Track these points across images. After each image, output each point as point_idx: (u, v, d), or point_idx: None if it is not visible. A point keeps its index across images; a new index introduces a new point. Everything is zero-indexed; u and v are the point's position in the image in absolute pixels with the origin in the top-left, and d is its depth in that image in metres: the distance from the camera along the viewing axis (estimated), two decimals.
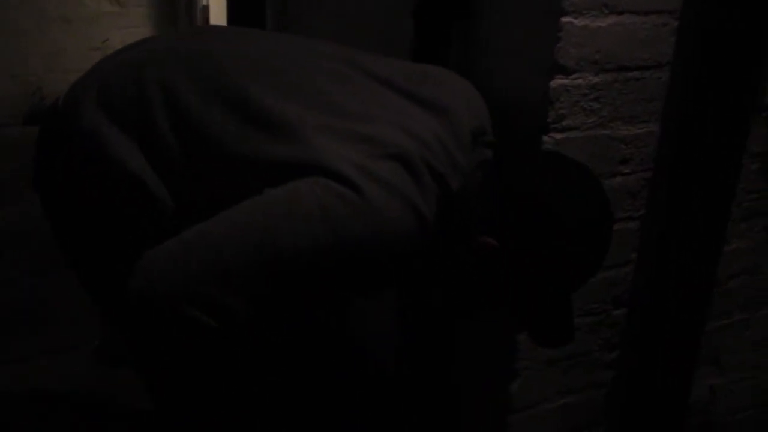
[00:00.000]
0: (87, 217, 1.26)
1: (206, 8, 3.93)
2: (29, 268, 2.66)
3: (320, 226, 1.10)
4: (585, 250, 1.23)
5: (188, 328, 1.12)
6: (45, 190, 1.32)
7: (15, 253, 2.77)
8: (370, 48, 1.43)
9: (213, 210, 1.15)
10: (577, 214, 1.20)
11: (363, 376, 1.88)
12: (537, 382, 1.76)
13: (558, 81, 1.45)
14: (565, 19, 1.41)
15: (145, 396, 1.41)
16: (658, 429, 1.92)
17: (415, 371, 1.99)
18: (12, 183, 2.90)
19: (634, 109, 1.57)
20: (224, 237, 1.11)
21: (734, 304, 1.99)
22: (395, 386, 2.01)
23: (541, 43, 1.45)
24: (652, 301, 1.76)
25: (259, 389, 1.44)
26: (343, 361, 1.78)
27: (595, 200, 1.24)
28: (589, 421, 1.89)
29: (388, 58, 1.39)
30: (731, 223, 1.82)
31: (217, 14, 3.87)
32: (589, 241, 1.23)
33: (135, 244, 1.19)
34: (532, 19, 1.48)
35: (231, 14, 3.37)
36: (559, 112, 1.47)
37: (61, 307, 2.40)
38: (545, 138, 1.49)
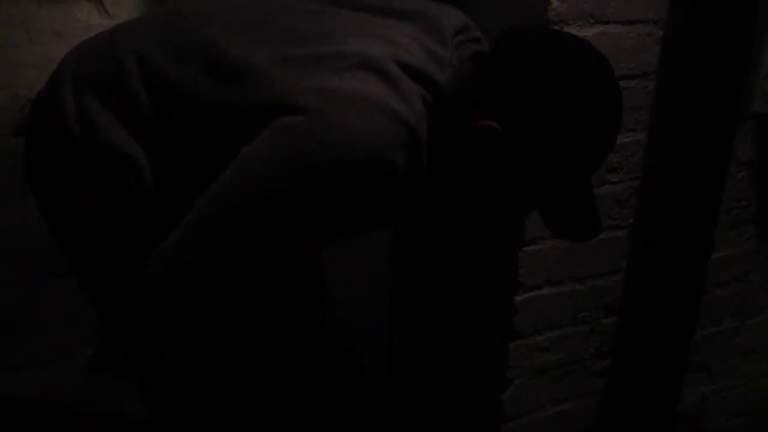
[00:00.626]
0: (78, 205, 1.27)
1: None
2: (20, 274, 2.65)
3: (296, 170, 1.06)
4: (593, 131, 1.14)
5: (207, 303, 1.14)
6: (37, 183, 1.33)
7: (4, 260, 2.76)
8: None
9: (193, 172, 1.15)
10: (581, 88, 1.11)
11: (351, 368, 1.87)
12: (529, 390, 1.76)
13: None
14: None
15: (140, 403, 1.42)
16: None
17: (404, 378, 1.99)
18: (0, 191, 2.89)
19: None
20: (219, 214, 1.11)
21: (724, 312, 1.99)
22: (385, 391, 2.02)
23: None
24: (641, 308, 1.77)
25: (254, 386, 1.44)
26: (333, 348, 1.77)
27: (600, 70, 1.15)
28: (582, 429, 1.90)
29: None
30: (720, 231, 1.84)
31: None
32: (598, 114, 1.13)
33: (127, 231, 1.21)
34: None
35: None
36: None
37: (53, 315, 2.40)
38: None
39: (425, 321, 1.91)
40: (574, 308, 1.73)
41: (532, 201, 1.22)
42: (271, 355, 1.47)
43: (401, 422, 2.03)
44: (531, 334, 1.70)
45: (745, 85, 1.69)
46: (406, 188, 1.14)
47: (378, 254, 1.94)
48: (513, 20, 1.49)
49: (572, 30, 1.44)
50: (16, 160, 1.39)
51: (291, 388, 1.56)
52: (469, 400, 1.87)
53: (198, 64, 1.19)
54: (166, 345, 1.30)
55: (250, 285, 1.17)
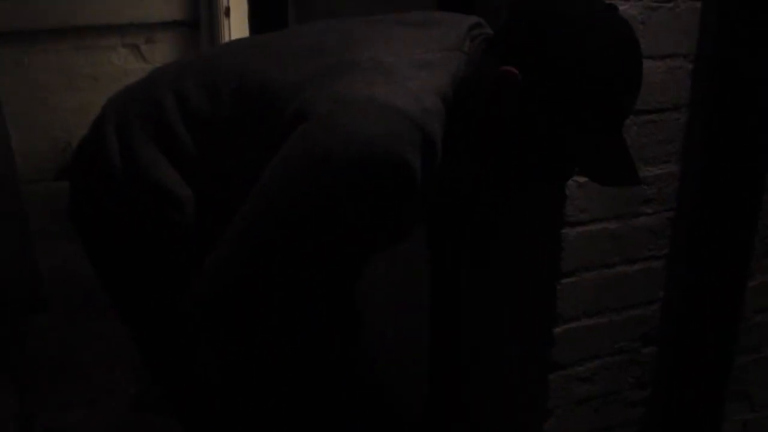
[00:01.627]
0: (122, 240, 1.32)
1: None
2: (66, 317, 2.72)
3: (309, 172, 1.09)
4: (611, 73, 1.14)
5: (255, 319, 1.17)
6: (82, 222, 1.38)
7: (51, 303, 2.83)
8: None
9: (233, 203, 1.18)
10: (598, 38, 1.12)
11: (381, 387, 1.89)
12: (569, 420, 1.77)
13: None
14: None
15: None
16: None
17: (443, 411, 2.01)
18: (44, 234, 2.96)
19: (653, 150, 1.60)
20: (251, 225, 1.14)
21: (763, 339, 1.99)
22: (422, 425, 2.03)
23: None
24: (680, 338, 1.78)
25: (294, 414, 1.46)
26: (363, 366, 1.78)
27: (615, 25, 1.16)
28: None
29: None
30: (755, 258, 1.84)
31: None
32: (616, 59, 1.13)
33: (170, 263, 1.27)
34: None
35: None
36: None
37: (98, 355, 2.46)
38: (569, 182, 1.52)
39: (464, 352, 1.93)
40: (612, 339, 1.74)
41: (559, 153, 1.19)
42: (307, 371, 1.50)
43: None
44: (570, 365, 1.72)
45: None
46: (423, 187, 1.14)
47: (417, 285, 1.97)
48: None
49: None
50: (58, 203, 1.44)
51: (323, 408, 1.58)
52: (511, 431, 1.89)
53: (229, 97, 1.24)
54: (212, 368, 1.33)
55: (292, 299, 1.19)
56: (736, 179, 1.66)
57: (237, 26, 3.80)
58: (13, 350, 2.57)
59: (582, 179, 1.53)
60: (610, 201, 1.58)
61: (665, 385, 1.84)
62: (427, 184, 1.15)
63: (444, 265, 1.87)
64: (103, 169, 1.30)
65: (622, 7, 1.42)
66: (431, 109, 1.13)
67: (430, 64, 1.17)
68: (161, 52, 3.82)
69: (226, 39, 3.76)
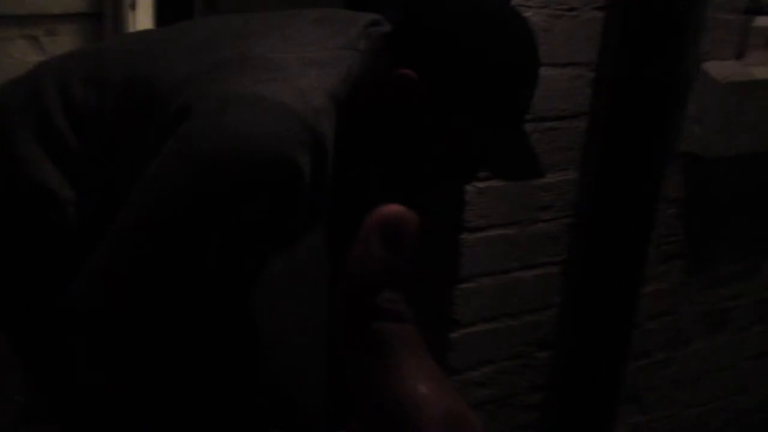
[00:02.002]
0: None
1: None
2: None
3: (194, 174, 1.05)
4: (508, 69, 1.12)
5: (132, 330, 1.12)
6: None
7: None
8: None
9: (110, 195, 1.14)
10: (494, 36, 1.11)
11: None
12: None
13: None
14: None
15: None
16: None
17: (342, 414, 1.98)
18: None
19: (553, 157, 1.61)
20: (131, 229, 1.09)
21: (654, 344, 2.04)
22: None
23: None
24: (574, 343, 1.80)
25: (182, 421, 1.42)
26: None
27: (512, 21, 1.16)
28: None
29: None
30: (649, 266, 1.88)
31: None
32: (512, 59, 1.13)
33: (49, 267, 1.20)
34: None
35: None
36: None
37: None
38: (468, 188, 1.52)
39: None
40: (509, 343, 1.75)
41: (461, 151, 1.18)
42: (200, 378, 1.45)
43: None
44: (467, 370, 1.72)
45: (674, 126, 1.74)
46: (313, 187, 1.11)
47: (317, 289, 1.94)
48: None
49: None
50: None
51: (219, 414, 1.54)
52: None
53: (114, 91, 1.18)
54: (92, 375, 1.27)
55: (175, 306, 1.15)
56: (632, 188, 1.69)
57: (142, 19, 3.68)
58: None
59: (482, 185, 1.53)
60: (509, 207, 1.59)
61: (560, 389, 1.86)
62: (318, 185, 1.11)
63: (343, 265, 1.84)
64: None
65: (525, 14, 1.42)
66: (321, 108, 1.09)
67: (322, 63, 1.13)
68: (63, 45, 3.66)
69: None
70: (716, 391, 2.27)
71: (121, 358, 1.19)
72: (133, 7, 3.68)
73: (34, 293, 1.25)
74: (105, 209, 1.17)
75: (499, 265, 1.64)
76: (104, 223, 1.13)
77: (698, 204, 1.90)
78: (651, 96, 1.63)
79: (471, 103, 1.12)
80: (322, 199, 1.19)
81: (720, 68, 1.74)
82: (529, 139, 1.21)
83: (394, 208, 1.10)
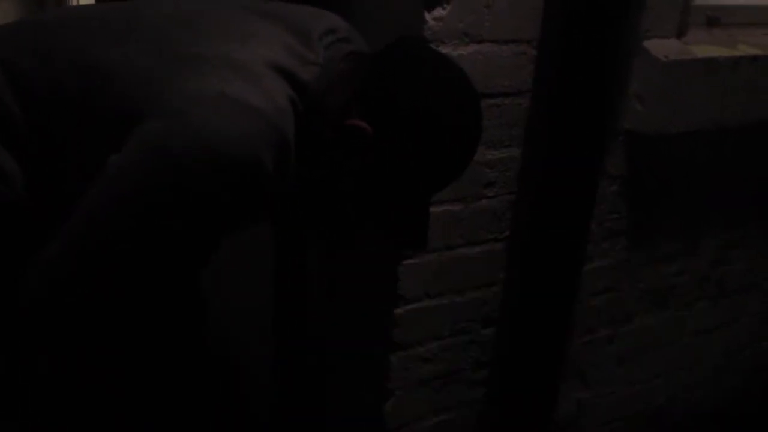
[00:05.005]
0: None
1: None
2: None
3: (159, 175, 1.05)
4: (452, 155, 1.21)
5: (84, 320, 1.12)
6: None
7: None
8: None
9: (70, 181, 1.13)
10: (451, 121, 1.18)
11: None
12: (410, 401, 1.78)
13: None
14: None
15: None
16: None
17: (288, 391, 1.99)
18: None
19: (496, 134, 1.62)
20: (91, 224, 1.09)
21: (598, 321, 2.06)
22: (269, 403, 2.01)
23: None
24: (517, 319, 1.81)
25: (131, 401, 1.41)
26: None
27: (469, 107, 1.22)
28: None
29: None
30: (593, 243, 1.90)
31: None
32: (457, 139, 1.20)
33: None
34: None
35: None
36: None
37: None
38: None
39: (308, 334, 1.91)
40: (454, 319, 1.76)
41: (378, 207, 1.26)
42: (149, 368, 1.44)
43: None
44: (412, 346, 1.72)
45: (615, 103, 1.76)
46: (275, 187, 1.13)
47: (262, 264, 1.93)
48: (390, 38, 1.51)
49: (447, 49, 1.47)
50: None
51: (169, 403, 1.53)
52: (353, 413, 1.88)
53: (65, 66, 1.16)
54: (42, 358, 1.26)
55: (126, 295, 1.14)
56: (574, 164, 1.70)
57: None
58: None
59: None
60: (453, 184, 1.59)
61: (504, 365, 1.88)
62: (278, 182, 1.12)
63: (289, 247, 1.84)
64: None
65: None
66: (284, 109, 1.11)
67: (283, 69, 1.14)
68: (3, 16, 3.57)
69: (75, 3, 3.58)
70: (660, 367, 2.30)
71: (69, 350, 1.18)
72: None
73: None
74: (54, 189, 1.16)
75: (443, 241, 1.65)
76: (53, 203, 1.12)
77: (640, 181, 1.93)
78: (593, 73, 1.64)
79: (407, 166, 1.18)
80: (281, 194, 1.20)
81: (661, 46, 1.76)
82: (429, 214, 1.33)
83: None
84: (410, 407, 1.79)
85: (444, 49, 1.46)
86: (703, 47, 1.85)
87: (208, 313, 1.65)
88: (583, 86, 1.64)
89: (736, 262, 2.31)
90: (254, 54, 1.13)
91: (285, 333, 1.95)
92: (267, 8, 1.26)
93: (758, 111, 1.95)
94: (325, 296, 1.87)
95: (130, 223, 1.07)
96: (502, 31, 1.53)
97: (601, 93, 1.68)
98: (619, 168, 1.88)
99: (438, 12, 1.45)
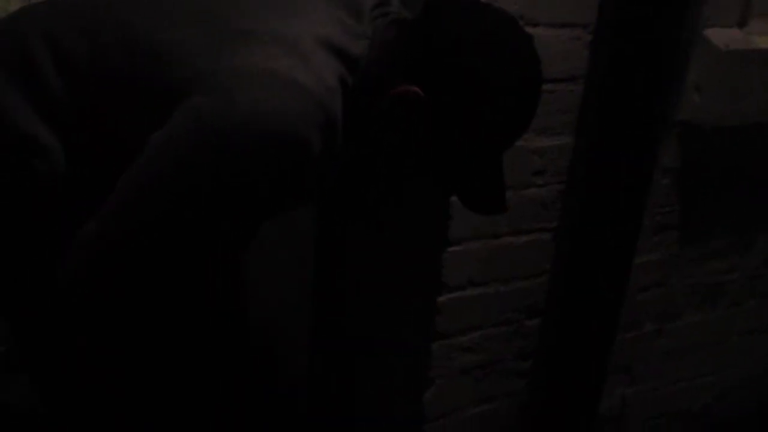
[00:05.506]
0: None
1: None
2: None
3: (203, 152, 1.04)
4: (512, 108, 1.15)
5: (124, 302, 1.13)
6: None
7: None
8: None
9: (113, 155, 1.12)
10: (506, 74, 1.12)
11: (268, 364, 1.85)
12: (451, 390, 1.76)
13: None
14: None
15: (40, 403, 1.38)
16: None
17: (326, 378, 1.98)
18: None
19: (548, 121, 1.58)
20: (134, 201, 1.09)
21: (646, 315, 2.02)
22: (306, 391, 2.00)
23: None
24: (564, 311, 1.78)
25: (168, 385, 1.41)
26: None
27: (525, 59, 1.16)
28: (503, 429, 1.91)
29: None
30: (643, 236, 1.86)
31: None
32: (517, 98, 1.15)
33: (35, 215, 1.17)
34: None
35: None
36: None
37: None
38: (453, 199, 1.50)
39: (348, 320, 1.90)
40: (498, 309, 1.74)
41: (447, 173, 1.23)
42: (187, 353, 1.44)
43: (322, 422, 2.02)
44: (454, 335, 1.70)
45: (672, 93, 1.71)
46: (321, 166, 1.11)
47: (302, 253, 1.92)
48: None
49: None
50: None
51: (204, 389, 1.53)
52: (393, 400, 1.87)
53: (111, 43, 1.15)
54: (79, 337, 1.26)
55: (169, 276, 1.14)
56: (627, 155, 1.66)
57: None
58: None
59: None
60: None
61: (549, 356, 1.85)
62: (325, 162, 1.11)
63: (330, 232, 1.83)
64: None
65: None
66: (333, 88, 1.09)
67: (335, 46, 1.12)
68: None
69: None
70: (706, 365, 2.26)
71: (112, 324, 1.19)
72: None
73: (17, 243, 1.23)
74: (97, 165, 1.15)
75: (490, 229, 1.62)
76: (95, 179, 1.12)
77: (695, 174, 1.88)
78: (650, 61, 1.60)
79: (468, 128, 1.14)
80: (327, 174, 1.19)
81: (722, 35, 1.71)
82: (503, 174, 1.23)
83: None
84: (451, 396, 1.77)
85: None
86: (765, 37, 1.79)
87: (249, 298, 1.65)
88: (639, 74, 1.60)
89: None
90: (304, 30, 1.12)
91: (324, 319, 1.95)
92: None
93: None
94: (366, 282, 1.86)
95: (171, 200, 1.07)
96: (558, 14, 1.50)
97: (657, 82, 1.64)
98: (673, 160, 1.83)
99: None
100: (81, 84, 1.16)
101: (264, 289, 1.69)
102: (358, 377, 1.94)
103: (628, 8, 1.54)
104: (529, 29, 1.47)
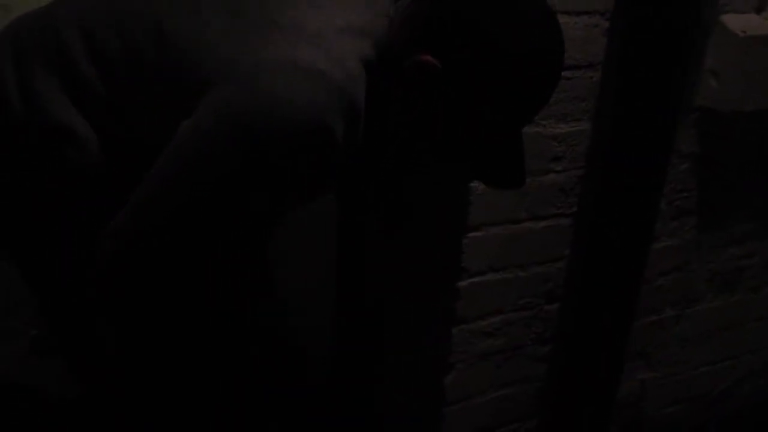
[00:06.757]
0: (17, 178, 1.25)
1: None
2: None
3: (229, 142, 1.06)
4: (531, 78, 1.13)
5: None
6: None
7: None
8: None
9: (143, 147, 1.14)
10: (524, 43, 1.10)
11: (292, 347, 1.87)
12: (471, 375, 1.78)
13: None
14: None
15: (74, 386, 1.41)
16: (589, 422, 1.96)
17: (348, 362, 2.00)
18: None
19: (566, 107, 1.60)
20: (163, 191, 1.11)
21: (664, 301, 2.03)
22: (327, 376, 2.02)
23: None
24: (582, 296, 1.79)
25: (191, 371, 1.43)
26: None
27: (545, 28, 1.14)
28: (522, 414, 1.93)
29: None
30: (662, 222, 1.87)
31: None
32: (536, 68, 1.13)
33: (69, 204, 1.20)
34: None
35: None
36: None
37: None
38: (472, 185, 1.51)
39: (369, 306, 1.92)
40: (517, 294, 1.75)
41: (465, 146, 1.21)
42: (210, 340, 1.47)
43: (343, 406, 2.04)
44: (474, 320, 1.72)
45: (689, 79, 1.72)
46: (344, 155, 1.13)
47: (323, 241, 1.94)
48: None
49: None
50: None
51: (228, 376, 1.55)
52: (412, 384, 1.89)
53: (141, 34, 1.17)
54: (108, 325, 1.29)
55: (196, 264, 1.17)
56: (645, 141, 1.67)
57: None
58: None
59: None
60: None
61: (567, 342, 1.86)
62: (348, 150, 1.13)
63: (351, 218, 1.85)
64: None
65: None
66: (355, 75, 1.10)
67: (355, 29, 1.13)
68: None
69: None
70: (725, 351, 2.26)
71: (140, 302, 1.21)
72: None
73: (51, 230, 1.26)
74: (131, 156, 1.18)
75: (509, 214, 1.64)
76: (126, 168, 1.15)
77: (713, 160, 1.88)
78: (667, 47, 1.61)
79: (487, 99, 1.13)
80: (349, 159, 1.21)
81: (738, 21, 1.71)
82: (523, 147, 1.23)
83: None
84: (470, 381, 1.79)
85: None
86: None
87: (273, 284, 1.67)
88: (656, 60, 1.61)
89: None
90: (326, 19, 1.13)
91: (345, 304, 1.96)
92: None
93: None
94: (387, 268, 1.88)
95: (196, 189, 1.10)
96: (575, 1, 1.50)
97: (675, 68, 1.65)
98: (691, 145, 1.84)
99: None
100: (112, 75, 1.19)
101: (286, 277, 1.71)
102: (379, 363, 1.96)
103: None
104: None
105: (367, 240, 1.87)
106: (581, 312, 1.82)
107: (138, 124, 1.20)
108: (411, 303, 1.82)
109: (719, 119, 1.80)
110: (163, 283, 1.18)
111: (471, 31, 1.09)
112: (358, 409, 2.03)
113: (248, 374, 1.65)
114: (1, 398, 2.08)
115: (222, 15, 1.17)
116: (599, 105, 1.64)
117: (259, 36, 1.11)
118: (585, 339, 1.86)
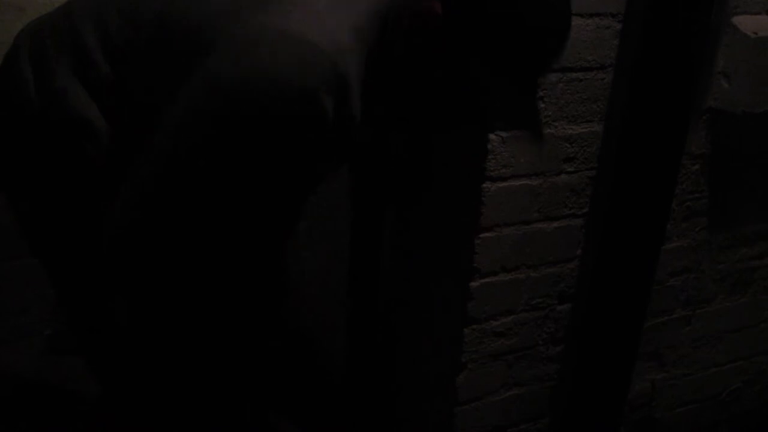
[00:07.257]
0: (37, 172, 1.27)
1: None
2: None
3: (216, 110, 1.06)
4: (538, 26, 1.11)
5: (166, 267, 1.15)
6: None
7: None
8: None
9: (143, 129, 1.15)
10: None
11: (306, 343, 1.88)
12: (482, 374, 1.79)
13: None
14: None
15: (92, 384, 1.42)
16: (600, 422, 1.97)
17: (360, 361, 2.01)
18: None
19: (578, 108, 1.61)
20: (156, 164, 1.12)
21: (675, 301, 2.04)
22: (341, 374, 2.03)
23: None
24: (594, 296, 1.80)
25: (207, 364, 1.44)
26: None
27: None
28: (534, 413, 1.93)
29: None
30: (672, 222, 1.87)
31: None
32: (542, 16, 1.11)
33: (84, 196, 1.23)
34: None
35: None
36: None
37: (12, 296, 2.39)
38: (491, 136, 1.52)
39: (382, 306, 1.93)
40: (529, 294, 1.76)
41: (475, 97, 1.19)
42: (226, 333, 1.48)
43: (356, 404, 2.05)
44: (486, 320, 1.73)
45: (700, 80, 1.72)
46: (338, 127, 1.11)
47: (337, 239, 1.95)
48: None
49: None
50: None
51: (243, 369, 1.56)
52: (424, 384, 1.90)
53: (149, 19, 1.20)
54: (122, 310, 1.30)
55: (194, 240, 1.16)
56: (656, 142, 1.68)
57: None
58: None
59: (505, 134, 1.53)
60: (533, 158, 1.59)
61: (579, 342, 1.87)
62: (341, 124, 1.12)
63: (365, 217, 1.86)
64: (17, 101, 1.25)
65: None
66: (347, 46, 1.10)
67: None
68: None
69: None
70: (736, 351, 2.26)
71: (153, 292, 1.22)
72: None
73: (71, 226, 1.28)
74: (138, 143, 1.19)
75: (520, 215, 1.65)
76: (134, 150, 1.16)
77: (724, 161, 1.89)
78: (678, 49, 1.61)
79: (493, 51, 1.11)
80: (347, 138, 1.20)
81: (750, 22, 1.72)
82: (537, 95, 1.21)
83: None
84: (482, 381, 1.80)
85: None
86: None
87: (288, 282, 1.68)
88: (668, 62, 1.62)
89: None
90: None
91: (359, 304, 1.98)
92: None
93: None
94: (400, 268, 1.89)
95: (185, 158, 1.09)
96: (587, 3, 1.51)
97: (686, 69, 1.65)
98: (702, 146, 1.84)
99: None
100: (123, 64, 1.21)
101: (302, 275, 1.73)
102: (391, 362, 1.98)
103: None
104: None
105: (381, 239, 1.88)
106: (593, 312, 1.83)
107: (146, 110, 1.21)
108: (423, 303, 1.83)
109: (730, 120, 1.81)
110: (180, 275, 1.18)
111: None
112: (370, 407, 2.04)
113: (267, 367, 1.66)
114: (18, 396, 2.11)
115: None
116: (611, 106, 1.64)
117: (254, 9, 1.12)
118: (596, 339, 1.86)
